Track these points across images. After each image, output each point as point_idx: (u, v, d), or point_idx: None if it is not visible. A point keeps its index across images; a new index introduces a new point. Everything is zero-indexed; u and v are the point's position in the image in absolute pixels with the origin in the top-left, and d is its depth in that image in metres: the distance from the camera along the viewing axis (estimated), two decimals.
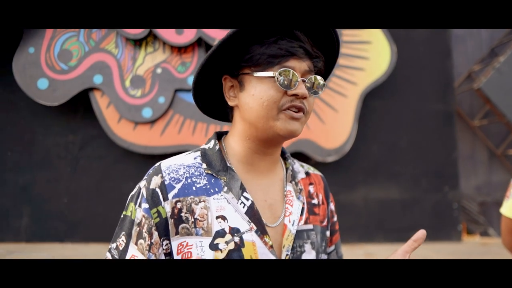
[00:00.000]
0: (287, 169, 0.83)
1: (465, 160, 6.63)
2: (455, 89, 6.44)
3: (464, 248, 5.23)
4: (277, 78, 0.68)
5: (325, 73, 0.81)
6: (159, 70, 4.92)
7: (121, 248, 0.70)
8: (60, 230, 5.06)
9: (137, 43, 4.94)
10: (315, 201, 0.84)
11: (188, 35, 4.84)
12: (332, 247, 0.91)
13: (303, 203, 0.80)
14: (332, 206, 0.90)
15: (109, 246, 0.72)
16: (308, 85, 0.71)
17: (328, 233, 0.86)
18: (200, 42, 4.96)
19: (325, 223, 0.85)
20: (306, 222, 0.79)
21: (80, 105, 5.00)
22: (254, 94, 0.71)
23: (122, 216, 0.73)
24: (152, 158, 4.84)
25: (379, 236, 5.65)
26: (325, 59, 0.78)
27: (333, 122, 5.23)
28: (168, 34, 4.82)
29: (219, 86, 0.79)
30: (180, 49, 4.95)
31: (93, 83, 4.79)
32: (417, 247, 0.68)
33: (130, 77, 4.87)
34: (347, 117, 5.30)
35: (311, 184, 0.86)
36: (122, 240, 0.70)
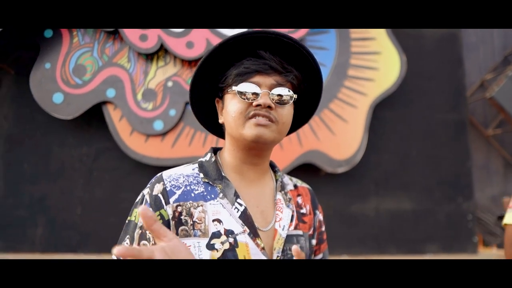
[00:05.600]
0: (276, 180, 0.91)
1: (480, 170, 6.51)
2: (468, 98, 6.36)
3: None
4: (237, 91, 0.78)
5: (314, 85, 0.89)
6: (170, 83, 5.02)
7: None
8: (73, 240, 5.15)
9: (149, 57, 5.06)
10: (303, 210, 0.92)
11: (198, 49, 4.94)
12: (320, 255, 0.98)
13: (293, 211, 0.88)
14: (320, 216, 0.98)
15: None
16: (274, 97, 0.79)
17: (314, 241, 0.93)
18: None
19: (311, 232, 0.92)
20: (295, 228, 0.87)
21: (94, 118, 5.13)
22: (228, 109, 0.82)
23: (127, 221, 0.80)
24: (163, 170, 4.91)
25: (391, 248, 5.57)
26: (308, 72, 0.86)
27: (343, 133, 5.22)
28: (178, 48, 4.93)
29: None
30: (190, 63, 5.05)
31: (106, 97, 4.92)
32: None
33: (142, 91, 4.99)
34: (357, 128, 5.29)
35: (299, 196, 0.94)
36: (126, 243, 0.76)
